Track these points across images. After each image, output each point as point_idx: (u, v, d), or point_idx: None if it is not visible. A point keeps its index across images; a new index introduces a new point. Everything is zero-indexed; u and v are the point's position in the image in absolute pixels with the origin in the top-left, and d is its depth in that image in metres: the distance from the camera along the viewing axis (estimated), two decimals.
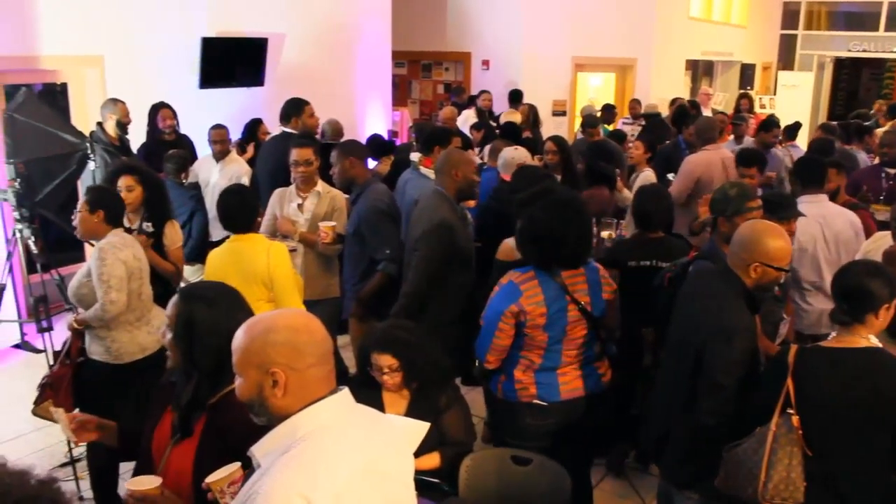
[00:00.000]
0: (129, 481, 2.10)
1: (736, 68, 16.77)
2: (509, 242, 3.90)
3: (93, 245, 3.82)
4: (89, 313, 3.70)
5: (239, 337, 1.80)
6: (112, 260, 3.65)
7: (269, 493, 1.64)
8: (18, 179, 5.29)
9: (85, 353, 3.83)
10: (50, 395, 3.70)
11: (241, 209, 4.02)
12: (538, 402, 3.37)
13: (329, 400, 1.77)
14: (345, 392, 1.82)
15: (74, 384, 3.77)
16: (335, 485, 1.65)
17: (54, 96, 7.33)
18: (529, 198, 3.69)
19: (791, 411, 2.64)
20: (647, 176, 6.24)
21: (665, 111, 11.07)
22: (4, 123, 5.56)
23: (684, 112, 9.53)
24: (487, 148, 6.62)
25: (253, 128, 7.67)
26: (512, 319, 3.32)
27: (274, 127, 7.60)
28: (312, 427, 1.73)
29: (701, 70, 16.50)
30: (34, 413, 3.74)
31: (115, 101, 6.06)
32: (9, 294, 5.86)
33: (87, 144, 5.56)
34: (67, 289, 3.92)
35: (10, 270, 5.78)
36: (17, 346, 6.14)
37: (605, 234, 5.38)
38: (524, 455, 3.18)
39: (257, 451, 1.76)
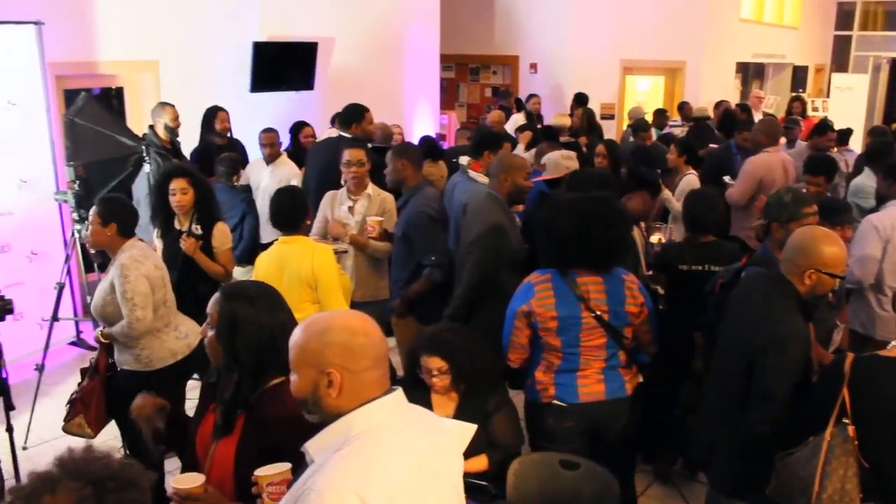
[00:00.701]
0: (174, 479, 2.14)
1: (788, 71, 16.46)
2: None
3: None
4: (116, 329, 3.71)
5: (296, 335, 1.83)
6: (135, 276, 3.64)
7: (322, 491, 1.66)
8: (77, 181, 5.42)
9: (114, 366, 3.84)
10: (80, 409, 3.70)
11: (291, 209, 4.09)
12: (557, 402, 3.36)
13: (384, 400, 1.80)
14: (399, 392, 1.84)
15: (106, 397, 3.76)
16: (389, 484, 1.67)
17: (109, 100, 7.52)
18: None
19: (846, 421, 2.59)
20: (690, 180, 6.20)
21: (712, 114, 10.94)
22: (65, 127, 5.72)
23: (731, 116, 9.39)
24: (533, 151, 6.63)
25: (295, 131, 7.65)
26: (524, 319, 3.35)
27: (322, 131, 7.68)
28: (367, 426, 1.75)
29: (752, 73, 16.22)
30: (64, 430, 3.75)
31: (164, 104, 6.11)
32: (66, 292, 6.01)
33: (143, 147, 5.68)
34: (91, 307, 3.89)
35: (69, 270, 5.93)
36: (73, 344, 6.30)
37: (654, 238, 5.33)
38: (572, 459, 3.16)
39: (311, 447, 1.78)
